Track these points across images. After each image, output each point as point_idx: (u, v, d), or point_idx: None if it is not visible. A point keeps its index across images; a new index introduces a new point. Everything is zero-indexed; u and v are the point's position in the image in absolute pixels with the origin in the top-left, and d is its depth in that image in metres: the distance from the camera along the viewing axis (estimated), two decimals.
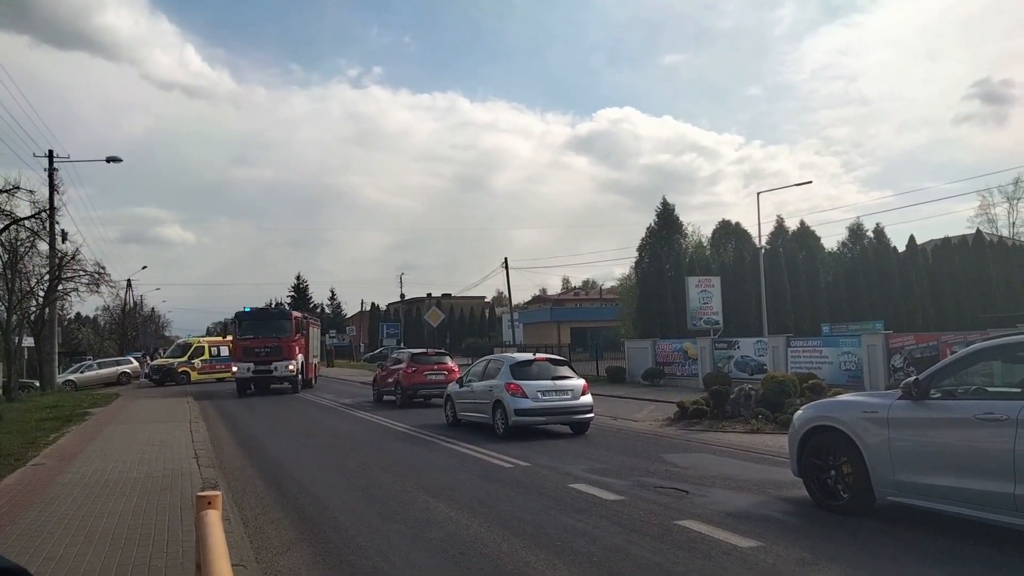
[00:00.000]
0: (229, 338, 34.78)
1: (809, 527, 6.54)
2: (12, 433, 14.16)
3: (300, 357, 28.33)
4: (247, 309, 28.43)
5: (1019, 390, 5.84)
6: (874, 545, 5.94)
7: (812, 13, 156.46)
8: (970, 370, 6.48)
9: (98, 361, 42.78)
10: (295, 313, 29.81)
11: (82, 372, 37.70)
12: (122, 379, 38.49)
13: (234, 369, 27.35)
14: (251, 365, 26.55)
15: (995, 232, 50.25)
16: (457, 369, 21.02)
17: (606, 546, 6.06)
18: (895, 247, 36.80)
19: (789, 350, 21.33)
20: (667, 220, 36.47)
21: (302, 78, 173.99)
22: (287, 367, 26.94)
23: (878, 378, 18.31)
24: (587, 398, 13.74)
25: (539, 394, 13.34)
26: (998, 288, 35.52)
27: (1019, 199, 55.22)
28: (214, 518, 2.79)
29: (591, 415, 13.86)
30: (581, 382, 13.99)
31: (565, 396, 13.55)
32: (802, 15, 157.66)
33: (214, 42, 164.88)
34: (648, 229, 36.63)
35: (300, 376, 28.17)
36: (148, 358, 47.52)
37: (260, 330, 27.35)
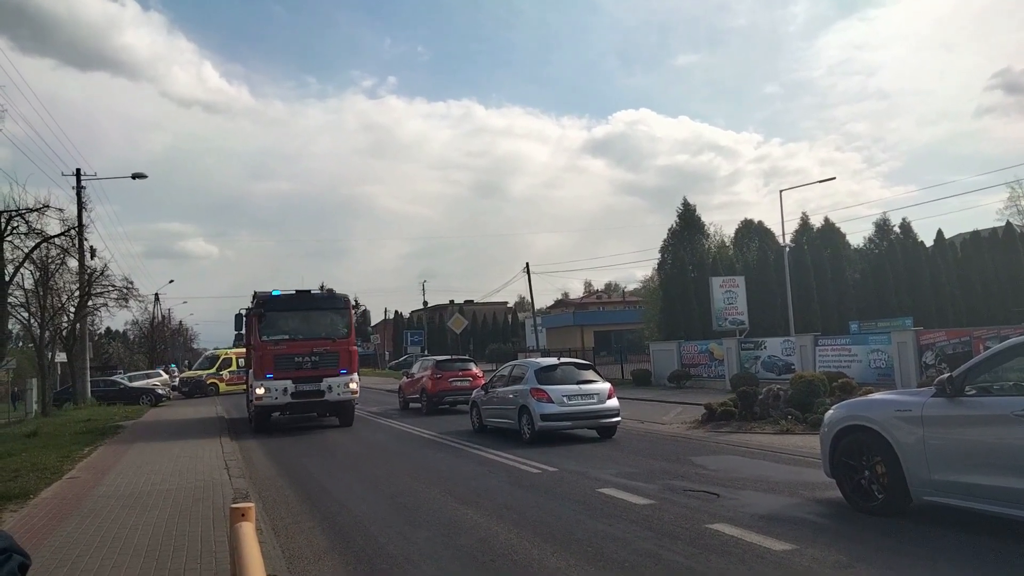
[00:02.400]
0: (239, 350, 28.16)
1: (844, 529, 6.44)
2: (48, 447, 14.41)
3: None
4: (276, 293, 17.98)
5: None
6: (911, 546, 5.83)
7: (826, 9, 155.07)
8: (1005, 366, 6.34)
9: (128, 375, 43.44)
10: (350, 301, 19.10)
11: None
12: None
13: (258, 391, 17.11)
14: (288, 384, 17.02)
15: None
16: (481, 375, 21.05)
17: (637, 551, 6.02)
18: (923, 242, 36.24)
19: (817, 349, 21.06)
20: (689, 221, 36.26)
21: (318, 90, 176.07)
22: (347, 385, 17.64)
23: (909, 376, 18.01)
24: (613, 402, 13.66)
25: (565, 399, 13.28)
26: None
27: None
28: (248, 530, 2.81)
29: (618, 419, 13.77)
30: (607, 386, 13.90)
31: (591, 400, 13.48)
32: (816, 11, 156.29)
33: (231, 58, 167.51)
34: (670, 230, 36.47)
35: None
36: (176, 371, 48.24)
37: (300, 327, 17.76)
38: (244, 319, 19.27)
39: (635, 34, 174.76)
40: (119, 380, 35.46)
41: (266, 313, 17.49)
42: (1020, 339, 6.27)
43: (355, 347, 18.48)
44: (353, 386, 17.84)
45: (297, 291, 18.26)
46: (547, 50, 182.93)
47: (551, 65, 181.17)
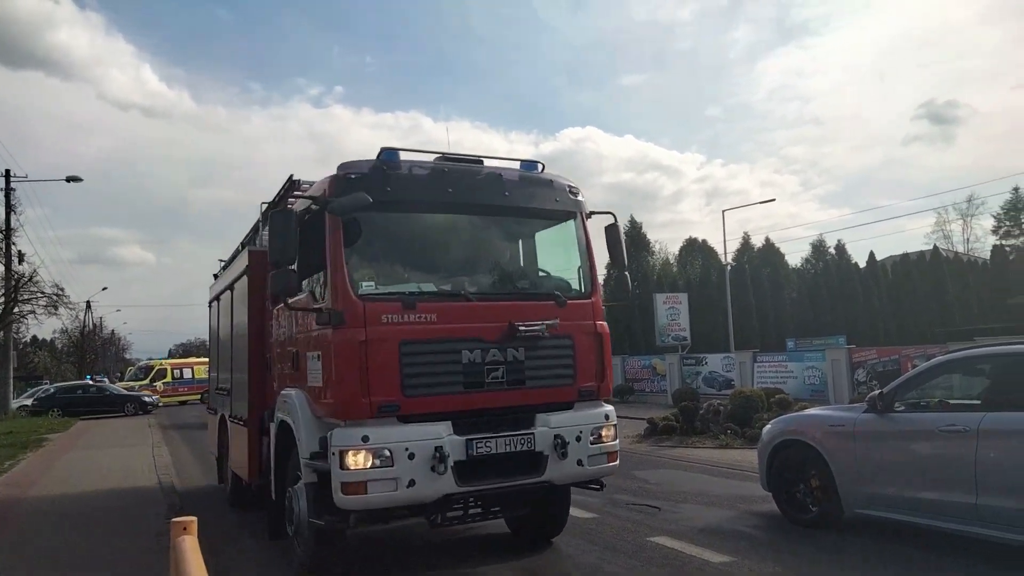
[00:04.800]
0: (179, 360, 27.84)
1: (779, 541, 6.61)
2: None
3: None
4: (391, 154, 5.60)
5: (979, 402, 6.00)
6: (843, 557, 6.03)
7: (767, 35, 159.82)
8: (932, 383, 6.64)
9: (55, 385, 41.58)
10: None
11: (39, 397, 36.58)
12: None
13: (350, 460, 4.91)
14: (448, 433, 5.18)
15: (951, 248, 51.78)
16: None
17: (580, 564, 6.06)
18: (856, 263, 37.67)
19: (755, 365, 21.60)
20: (634, 238, 36.91)
21: (262, 97, 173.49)
22: (598, 433, 5.94)
23: (842, 392, 18.62)
24: None
25: None
26: (955, 302, 36.53)
27: (973, 216, 57.13)
28: (191, 544, 2.74)
29: None
30: None
31: None
32: (756, 37, 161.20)
33: (172, 62, 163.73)
34: None
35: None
36: (108, 381, 46.42)
37: (467, 258, 6.18)
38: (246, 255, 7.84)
39: (583, 52, 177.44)
40: (106, 385, 33.73)
41: (373, 214, 5.54)
42: (945, 358, 6.59)
43: (603, 321, 6.52)
44: (608, 435, 6.15)
45: (444, 155, 6.38)
46: (496, 66, 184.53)
47: (499, 81, 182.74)
